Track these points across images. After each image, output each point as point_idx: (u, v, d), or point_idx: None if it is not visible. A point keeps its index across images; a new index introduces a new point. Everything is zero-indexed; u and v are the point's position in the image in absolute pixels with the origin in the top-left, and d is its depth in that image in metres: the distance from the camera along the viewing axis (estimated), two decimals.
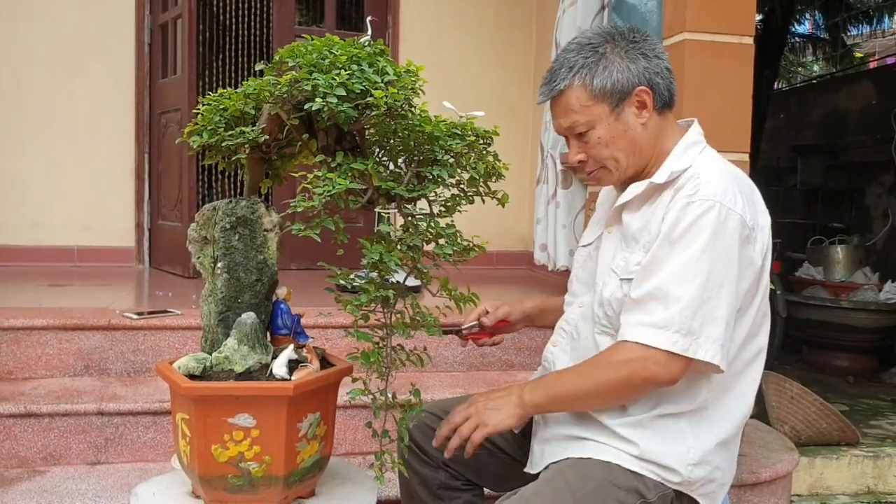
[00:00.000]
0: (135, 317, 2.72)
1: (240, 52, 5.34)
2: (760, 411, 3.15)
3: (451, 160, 1.34)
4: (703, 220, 1.37)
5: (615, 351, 1.42)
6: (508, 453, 1.68)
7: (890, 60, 9.28)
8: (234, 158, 1.45)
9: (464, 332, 1.79)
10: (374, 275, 1.33)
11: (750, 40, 2.88)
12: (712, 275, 1.37)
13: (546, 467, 1.52)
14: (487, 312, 1.80)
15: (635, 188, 1.51)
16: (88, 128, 4.55)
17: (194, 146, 1.45)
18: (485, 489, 1.78)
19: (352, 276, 1.41)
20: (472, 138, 1.35)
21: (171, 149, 4.34)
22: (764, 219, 1.47)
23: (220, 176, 5.48)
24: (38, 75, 4.48)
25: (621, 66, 1.44)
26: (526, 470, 1.61)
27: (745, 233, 1.40)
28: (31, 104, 4.48)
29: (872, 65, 9.63)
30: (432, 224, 1.34)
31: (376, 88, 1.23)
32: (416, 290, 1.42)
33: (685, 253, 1.37)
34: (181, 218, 4.18)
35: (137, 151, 4.64)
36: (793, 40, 10.22)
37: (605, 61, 1.44)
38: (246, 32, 5.28)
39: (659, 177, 1.47)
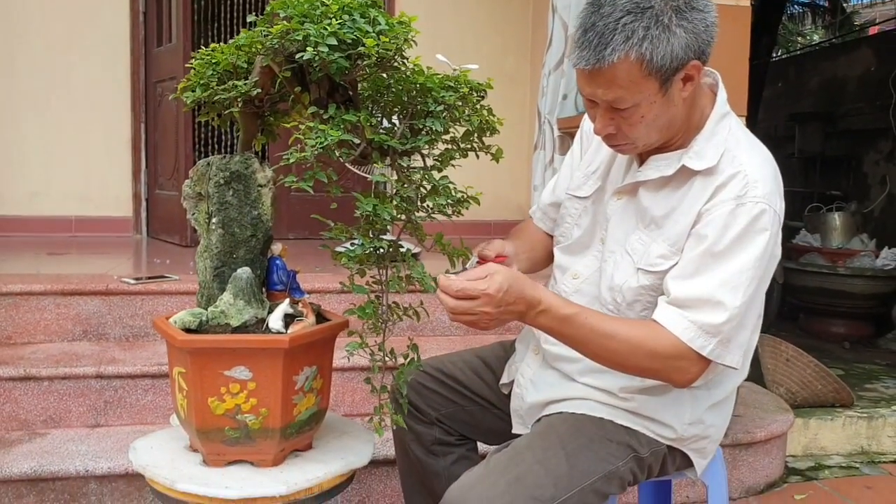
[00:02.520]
0: (132, 282, 2.73)
1: (235, 19, 5.30)
2: (756, 374, 3.17)
3: (445, 112, 1.34)
4: (756, 226, 1.30)
5: (660, 339, 1.32)
6: (500, 408, 1.69)
7: (888, 27, 9.22)
8: (226, 113, 1.45)
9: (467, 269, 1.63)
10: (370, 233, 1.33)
11: (747, 2, 2.87)
12: (761, 283, 1.33)
13: (538, 420, 1.53)
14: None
15: (661, 166, 1.41)
16: (84, 97, 4.53)
17: (188, 102, 1.44)
18: (479, 443, 1.80)
19: (347, 232, 1.41)
20: (466, 90, 1.35)
21: (168, 118, 4.33)
22: (783, 205, 1.38)
23: (216, 145, 5.46)
24: (33, 45, 4.46)
25: (680, 38, 1.24)
26: (515, 431, 1.60)
27: (779, 231, 1.36)
28: (27, 74, 4.46)
29: (873, 31, 9.56)
30: (426, 177, 1.34)
31: (368, 37, 1.22)
32: (415, 255, 1.42)
33: (738, 260, 1.30)
34: (178, 187, 4.16)
35: (134, 121, 4.63)
36: (792, 8, 10.15)
37: (667, 34, 1.23)
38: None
39: (695, 162, 1.36)
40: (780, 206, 1.35)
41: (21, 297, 2.65)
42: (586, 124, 1.66)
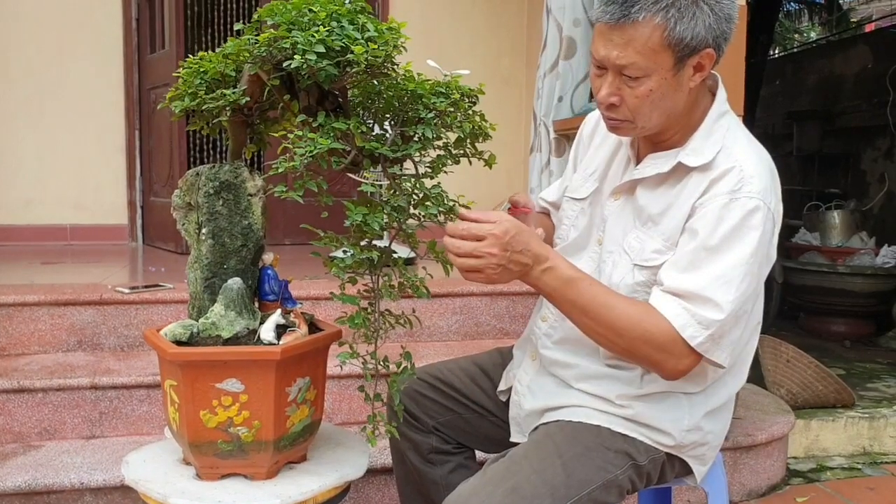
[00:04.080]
0: (127, 291, 2.71)
1: (228, 25, 5.27)
2: (756, 375, 3.15)
3: (436, 119, 1.32)
4: (749, 222, 1.28)
5: (654, 322, 1.30)
6: (498, 416, 1.67)
7: (885, 24, 9.20)
8: (215, 122, 1.43)
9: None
10: (363, 242, 1.31)
11: (743, 1, 2.85)
12: (754, 281, 1.31)
13: (535, 429, 1.51)
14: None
15: (657, 164, 1.40)
16: (78, 104, 4.52)
17: (176, 111, 1.43)
18: (476, 451, 1.78)
19: (338, 241, 1.39)
20: (457, 96, 1.33)
21: (162, 125, 4.31)
22: (780, 208, 1.38)
23: (211, 152, 5.43)
24: (25, 52, 4.44)
25: (707, 19, 1.25)
26: (512, 439, 1.59)
27: (774, 232, 1.35)
28: (20, 81, 4.45)
29: (869, 28, 9.55)
30: (418, 185, 1.32)
31: (356, 45, 1.21)
32: (410, 262, 1.40)
33: (731, 255, 1.28)
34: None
35: (128, 128, 4.61)
36: (788, 5, 10.14)
37: (695, 7, 1.24)
38: (234, 5, 5.21)
39: (691, 159, 1.35)
40: (775, 205, 1.34)
41: (15, 307, 2.62)
42: (585, 129, 1.66)
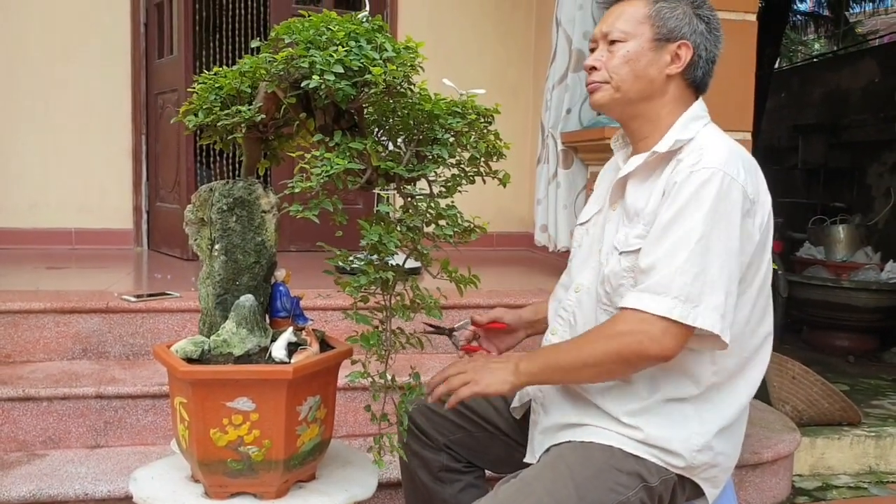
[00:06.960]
0: (133, 299, 2.70)
1: (237, 31, 5.26)
2: (762, 391, 3.14)
3: (452, 139, 1.31)
4: (706, 189, 1.34)
5: (612, 321, 1.39)
6: (509, 435, 1.67)
7: (886, 39, 9.21)
8: (230, 138, 1.43)
9: (455, 330, 1.76)
10: (374, 257, 1.31)
11: (753, 17, 2.85)
12: (712, 242, 1.33)
13: (547, 450, 1.50)
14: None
15: (637, 159, 1.49)
16: (85, 108, 4.50)
17: (190, 126, 1.42)
18: (486, 471, 1.77)
19: (351, 259, 1.39)
20: (473, 116, 1.33)
21: (169, 130, 4.30)
22: (765, 196, 1.44)
23: (218, 157, 5.42)
24: (32, 55, 4.43)
25: (685, 14, 1.47)
26: (526, 460, 1.59)
27: (747, 206, 1.37)
28: (26, 85, 4.43)
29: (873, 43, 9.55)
30: (432, 205, 1.32)
31: (374, 65, 1.20)
32: (415, 271, 1.40)
33: (687, 221, 1.34)
34: (179, 200, 4.15)
35: (134, 132, 4.59)
36: (794, 18, 10.14)
37: (677, 1, 1.48)
38: (243, 11, 5.21)
39: (661, 146, 1.45)
40: (743, 178, 1.38)
41: (20, 314, 2.61)
42: (601, 173, 1.74)
